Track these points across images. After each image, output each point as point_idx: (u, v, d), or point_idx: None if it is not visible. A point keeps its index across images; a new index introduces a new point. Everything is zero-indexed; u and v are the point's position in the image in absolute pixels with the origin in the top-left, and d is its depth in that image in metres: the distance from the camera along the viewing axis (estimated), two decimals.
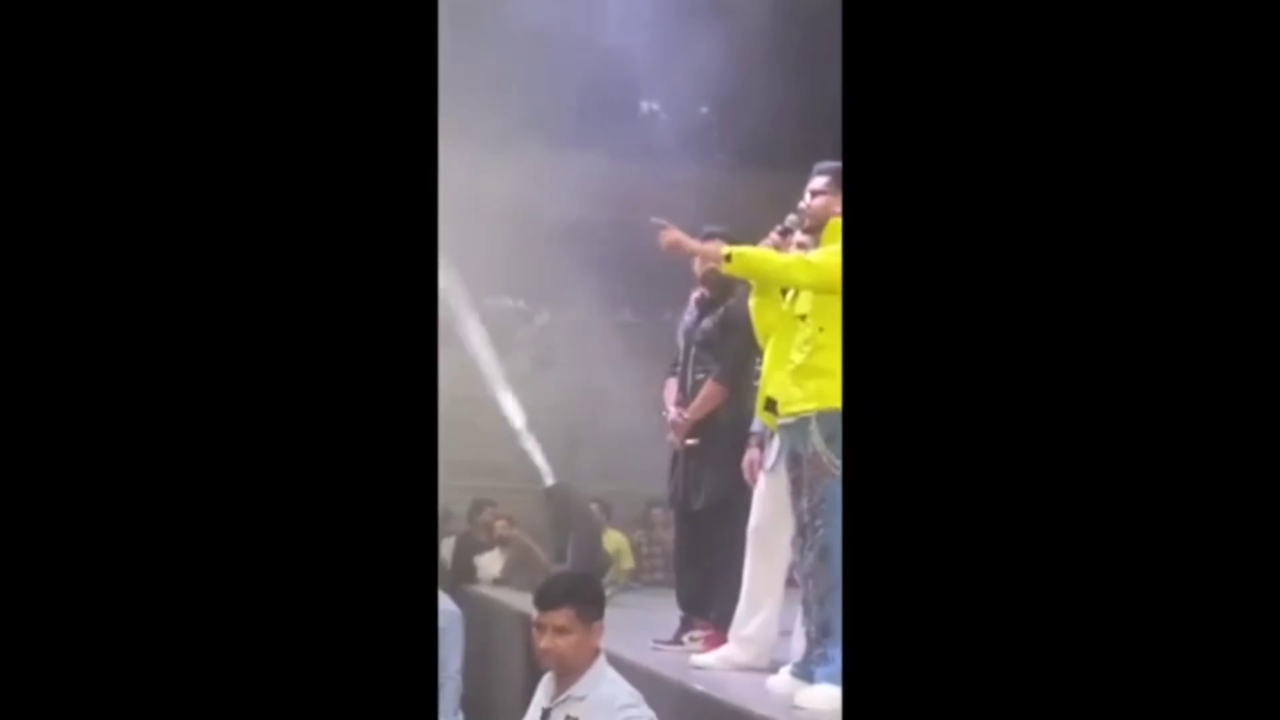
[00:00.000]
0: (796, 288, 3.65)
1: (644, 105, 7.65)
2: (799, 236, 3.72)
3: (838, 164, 3.72)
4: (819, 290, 3.51)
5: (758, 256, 3.61)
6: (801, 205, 3.71)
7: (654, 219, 3.59)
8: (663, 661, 4.19)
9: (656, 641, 4.59)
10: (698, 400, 4.57)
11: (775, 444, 3.95)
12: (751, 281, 3.83)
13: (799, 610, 3.74)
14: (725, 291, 4.51)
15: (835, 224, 3.61)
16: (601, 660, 3.01)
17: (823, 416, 3.46)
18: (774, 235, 3.71)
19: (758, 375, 4.04)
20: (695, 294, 4.75)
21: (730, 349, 4.44)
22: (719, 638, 4.26)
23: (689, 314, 4.75)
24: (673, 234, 3.67)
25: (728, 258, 3.55)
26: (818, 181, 3.71)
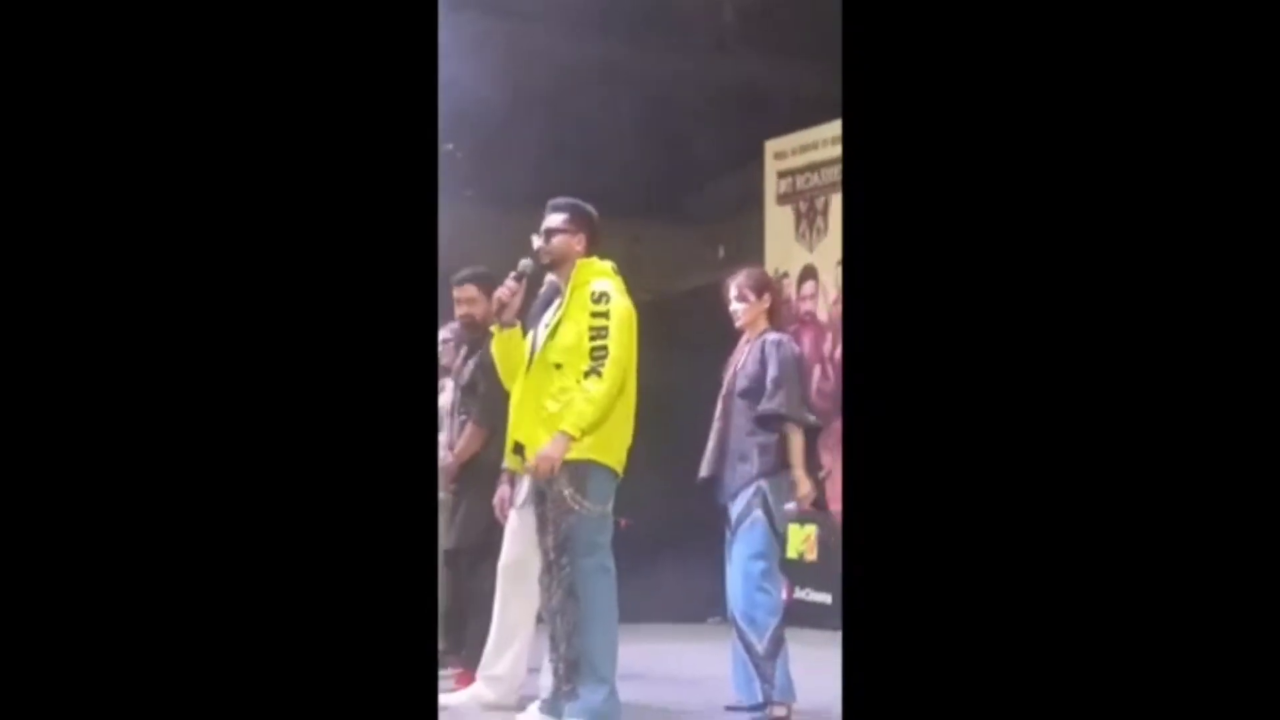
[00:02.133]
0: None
1: None
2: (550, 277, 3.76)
3: (573, 200, 3.77)
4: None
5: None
6: (538, 245, 3.73)
7: None
8: None
9: None
10: (460, 443, 4.56)
11: (524, 482, 3.98)
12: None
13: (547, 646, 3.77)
14: (481, 335, 4.52)
15: (585, 266, 3.67)
16: None
17: (571, 465, 3.52)
18: (510, 282, 3.73)
19: None
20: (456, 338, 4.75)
21: (487, 390, 4.45)
22: (469, 676, 4.28)
23: (455, 359, 4.74)
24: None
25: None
26: (554, 219, 3.72)
